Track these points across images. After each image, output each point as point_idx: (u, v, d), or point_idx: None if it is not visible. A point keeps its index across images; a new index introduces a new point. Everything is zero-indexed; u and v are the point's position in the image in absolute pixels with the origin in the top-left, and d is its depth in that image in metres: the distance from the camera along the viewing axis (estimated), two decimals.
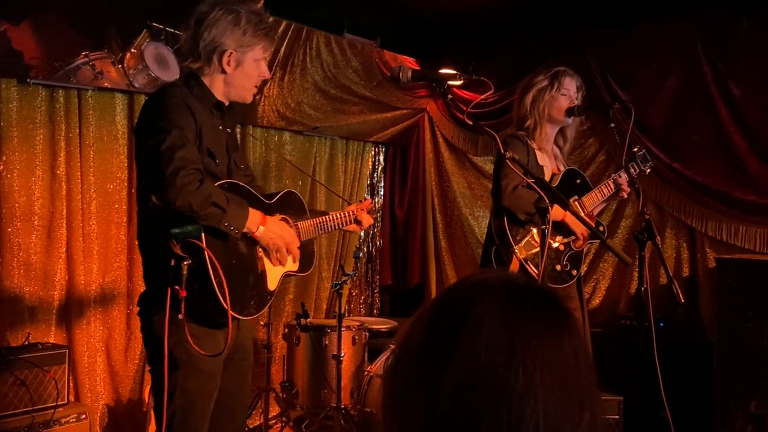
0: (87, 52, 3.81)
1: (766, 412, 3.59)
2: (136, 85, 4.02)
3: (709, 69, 4.66)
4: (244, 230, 2.43)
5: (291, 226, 2.72)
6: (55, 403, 3.56)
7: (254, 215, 2.47)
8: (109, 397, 4.19)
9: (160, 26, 4.02)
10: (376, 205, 6.26)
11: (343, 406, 4.09)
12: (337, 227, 2.94)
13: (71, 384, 3.85)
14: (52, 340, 3.87)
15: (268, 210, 2.61)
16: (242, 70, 2.55)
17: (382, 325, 4.92)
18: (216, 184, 2.40)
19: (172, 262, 2.26)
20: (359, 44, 5.24)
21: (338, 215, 2.93)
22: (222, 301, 2.34)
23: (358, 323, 4.54)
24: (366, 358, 4.45)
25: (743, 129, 4.58)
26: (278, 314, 5.14)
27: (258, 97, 4.72)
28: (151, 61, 3.98)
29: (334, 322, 4.24)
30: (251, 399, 4.53)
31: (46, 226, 3.92)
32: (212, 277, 2.31)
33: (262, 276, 2.59)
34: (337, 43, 5.09)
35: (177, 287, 2.24)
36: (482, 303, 0.82)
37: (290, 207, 2.79)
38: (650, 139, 4.80)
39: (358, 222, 2.99)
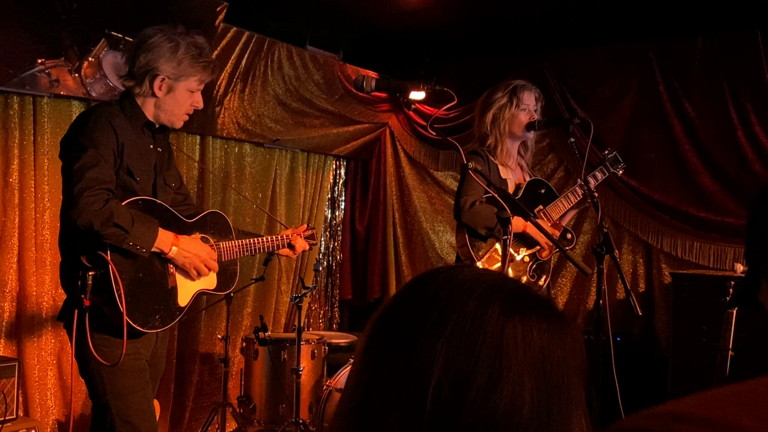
0: (43, 60, 3.74)
1: None
2: (93, 94, 3.95)
3: (665, 88, 4.77)
4: (154, 250, 2.51)
5: (211, 245, 2.78)
6: (3, 418, 3.45)
7: (165, 236, 2.54)
8: (59, 412, 4.08)
9: (119, 35, 3.96)
10: (337, 219, 6.24)
11: (301, 421, 4.04)
12: (266, 250, 2.98)
13: (21, 398, 3.75)
14: (1, 353, 3.76)
15: (186, 229, 2.68)
16: (173, 97, 2.64)
17: (341, 339, 4.89)
18: (128, 201, 2.48)
19: (80, 272, 2.38)
20: (321, 57, 5.24)
21: (269, 238, 2.97)
22: (120, 310, 2.45)
23: (318, 337, 4.50)
24: (325, 373, 4.41)
25: (697, 147, 4.69)
26: (236, 328, 5.06)
27: (218, 108, 4.68)
28: (109, 70, 3.92)
29: (293, 335, 4.20)
30: (207, 414, 4.48)
31: None
32: (114, 288, 2.41)
33: (172, 292, 2.65)
34: (299, 55, 5.08)
35: (82, 296, 2.38)
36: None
37: (213, 227, 2.84)
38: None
39: (291, 247, 3.02)
